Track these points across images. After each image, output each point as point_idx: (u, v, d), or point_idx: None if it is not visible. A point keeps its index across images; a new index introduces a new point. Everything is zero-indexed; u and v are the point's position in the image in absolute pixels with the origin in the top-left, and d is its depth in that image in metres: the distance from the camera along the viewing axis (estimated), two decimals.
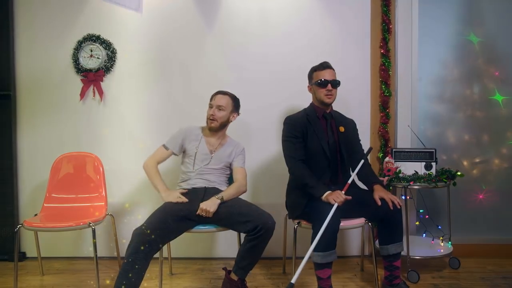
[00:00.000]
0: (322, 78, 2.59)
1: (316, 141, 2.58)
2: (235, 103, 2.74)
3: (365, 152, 2.70)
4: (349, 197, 2.39)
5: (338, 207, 2.33)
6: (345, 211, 2.42)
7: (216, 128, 2.67)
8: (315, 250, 2.29)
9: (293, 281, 2.14)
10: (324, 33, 3.23)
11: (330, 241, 2.29)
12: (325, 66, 2.62)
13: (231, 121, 2.73)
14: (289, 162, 2.60)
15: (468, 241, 3.21)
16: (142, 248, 2.22)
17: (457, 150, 3.34)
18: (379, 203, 2.42)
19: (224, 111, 2.67)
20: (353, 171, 2.67)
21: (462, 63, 3.32)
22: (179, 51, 3.21)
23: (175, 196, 2.51)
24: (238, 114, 2.77)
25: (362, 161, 2.56)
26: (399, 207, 2.42)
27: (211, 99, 2.72)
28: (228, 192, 2.54)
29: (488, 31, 3.31)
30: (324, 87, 2.58)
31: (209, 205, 2.41)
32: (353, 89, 3.18)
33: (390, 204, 2.40)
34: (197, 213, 2.42)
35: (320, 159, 2.58)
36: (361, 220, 2.53)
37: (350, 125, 2.74)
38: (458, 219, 3.19)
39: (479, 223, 3.30)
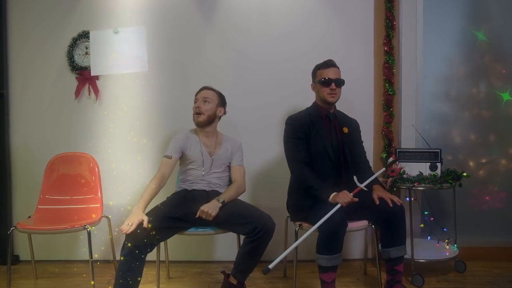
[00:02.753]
0: (325, 77, 2.58)
1: (320, 142, 2.58)
2: (221, 98, 2.75)
3: (388, 161, 2.70)
4: (356, 199, 2.38)
5: (342, 208, 2.34)
6: (347, 213, 2.42)
7: (204, 122, 2.66)
8: (320, 253, 2.30)
9: (270, 266, 2.09)
10: (326, 30, 3.23)
11: (336, 244, 2.30)
12: (329, 64, 2.62)
13: (218, 116, 2.72)
14: (292, 165, 2.61)
15: (474, 244, 3.21)
16: (138, 245, 2.26)
17: (463, 150, 3.34)
18: (377, 202, 2.43)
19: (210, 103, 2.67)
20: (354, 173, 2.66)
21: (469, 61, 3.33)
22: (177, 49, 3.22)
23: (138, 220, 2.29)
24: (225, 112, 2.77)
25: (383, 169, 2.59)
26: (399, 204, 2.42)
27: (196, 95, 2.73)
28: (228, 194, 2.54)
29: (495, 27, 3.31)
30: (328, 86, 2.58)
31: (211, 208, 2.41)
32: (356, 88, 3.18)
33: (389, 202, 2.41)
34: (197, 215, 2.42)
35: (323, 161, 2.58)
36: (364, 223, 2.54)
37: (353, 125, 2.74)
38: (464, 221, 3.18)
39: (486, 225, 3.31)
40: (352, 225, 2.51)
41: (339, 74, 2.63)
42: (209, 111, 2.66)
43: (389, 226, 2.45)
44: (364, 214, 2.53)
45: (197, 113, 2.66)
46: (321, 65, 2.65)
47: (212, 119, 2.69)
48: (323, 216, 2.30)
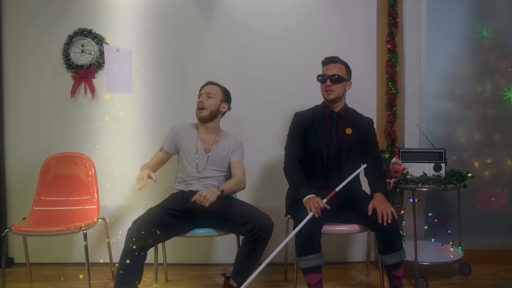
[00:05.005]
0: (322, 74, 2.62)
1: (315, 142, 2.59)
2: (226, 94, 2.75)
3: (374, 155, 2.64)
4: (328, 207, 2.36)
5: (325, 209, 2.34)
6: (339, 215, 2.47)
7: (206, 117, 2.66)
8: (299, 255, 2.31)
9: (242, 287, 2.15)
10: (327, 27, 3.23)
11: (311, 245, 2.30)
12: (328, 60, 2.64)
13: (221, 111, 2.72)
14: (285, 160, 2.65)
15: (479, 246, 3.21)
16: (143, 246, 2.29)
17: (468, 150, 3.34)
18: (370, 212, 2.37)
19: (213, 98, 2.67)
20: (365, 176, 2.64)
21: (473, 59, 3.33)
22: (176, 46, 3.22)
23: (147, 172, 2.47)
24: (230, 108, 2.77)
25: (364, 165, 2.52)
26: (385, 224, 2.33)
27: (200, 90, 2.73)
28: (228, 186, 2.53)
29: (501, 24, 3.31)
30: (324, 83, 2.60)
31: (209, 193, 2.37)
32: (358, 87, 3.15)
33: (380, 217, 2.33)
34: (193, 199, 2.37)
35: (316, 161, 2.59)
36: (355, 226, 2.52)
37: (363, 126, 2.66)
38: (469, 223, 3.18)
39: (491, 227, 3.31)
40: (352, 227, 2.51)
41: (341, 70, 2.61)
42: (212, 107, 2.66)
43: (382, 234, 2.40)
44: (355, 219, 2.52)
45: (200, 108, 2.66)
46: (322, 62, 2.67)
47: (215, 115, 2.69)
48: (296, 216, 2.37)
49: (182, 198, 2.58)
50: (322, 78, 2.61)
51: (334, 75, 2.58)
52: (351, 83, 2.68)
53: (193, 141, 2.68)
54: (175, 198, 2.60)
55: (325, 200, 2.37)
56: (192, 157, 2.66)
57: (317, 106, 2.72)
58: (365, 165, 2.52)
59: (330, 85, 2.57)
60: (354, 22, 3.24)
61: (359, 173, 2.57)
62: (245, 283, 2.15)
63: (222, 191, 2.46)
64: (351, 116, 2.68)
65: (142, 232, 2.30)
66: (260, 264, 2.44)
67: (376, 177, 2.59)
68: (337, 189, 2.40)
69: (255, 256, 2.41)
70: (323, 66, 2.65)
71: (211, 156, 2.67)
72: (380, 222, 2.32)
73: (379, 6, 3.25)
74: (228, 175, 2.76)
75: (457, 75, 3.34)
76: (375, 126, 3.19)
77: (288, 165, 2.62)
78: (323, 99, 2.71)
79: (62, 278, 2.97)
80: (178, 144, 2.71)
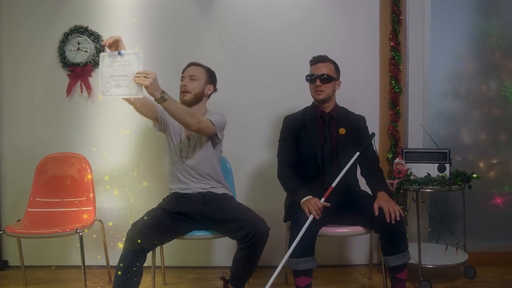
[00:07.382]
0: (310, 73, 2.60)
1: (309, 144, 2.57)
2: (210, 75, 2.67)
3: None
4: (328, 204, 2.36)
5: (324, 210, 2.33)
6: (340, 216, 2.46)
7: (190, 101, 2.57)
8: (290, 256, 2.30)
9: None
10: (329, 24, 3.23)
11: (304, 248, 2.29)
12: (316, 60, 2.62)
13: (207, 94, 2.65)
14: (278, 167, 2.64)
15: (484, 249, 3.21)
16: (143, 247, 2.26)
17: (473, 150, 3.34)
18: (377, 212, 2.36)
19: (197, 81, 2.59)
20: (363, 176, 2.64)
21: (479, 57, 3.33)
22: (174, 44, 3.22)
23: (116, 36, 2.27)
24: (216, 89, 2.70)
25: (357, 153, 2.48)
26: (393, 222, 2.32)
27: (182, 72, 2.66)
28: (176, 103, 2.32)
29: (507, 21, 3.31)
30: (313, 83, 2.59)
31: (154, 80, 2.20)
32: (361, 85, 3.18)
33: (387, 216, 2.32)
34: (137, 72, 2.20)
35: (310, 164, 2.58)
36: (358, 228, 2.51)
37: (355, 125, 2.65)
38: (474, 225, 3.18)
39: (497, 229, 3.30)
40: (352, 229, 2.50)
41: (330, 69, 2.59)
42: (196, 89, 2.59)
43: (387, 235, 2.39)
44: (358, 220, 2.50)
45: (183, 91, 2.59)
46: (310, 62, 2.65)
47: (199, 98, 2.62)
48: (294, 219, 2.37)
49: (177, 200, 2.57)
50: (311, 78, 2.59)
51: (323, 74, 2.56)
52: (340, 82, 2.65)
53: (178, 129, 2.61)
54: (172, 199, 2.58)
55: (323, 200, 2.36)
56: (177, 145, 2.59)
57: (306, 107, 2.71)
58: (358, 153, 2.48)
59: (320, 85, 2.55)
60: (356, 19, 3.24)
61: (356, 172, 2.60)
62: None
63: (162, 95, 2.22)
64: (342, 116, 2.66)
65: (143, 234, 2.27)
66: (259, 268, 2.47)
67: (374, 176, 2.58)
68: (333, 184, 2.39)
69: (251, 262, 2.39)
70: (311, 65, 2.63)
71: (191, 139, 2.58)
72: (388, 221, 2.31)
73: (382, 3, 3.24)
74: (218, 168, 2.66)
75: (461, 74, 3.34)
76: (377, 126, 3.24)
77: (281, 172, 2.61)
78: (313, 100, 2.69)
79: (47, 276, 2.96)
80: (166, 124, 2.61)
